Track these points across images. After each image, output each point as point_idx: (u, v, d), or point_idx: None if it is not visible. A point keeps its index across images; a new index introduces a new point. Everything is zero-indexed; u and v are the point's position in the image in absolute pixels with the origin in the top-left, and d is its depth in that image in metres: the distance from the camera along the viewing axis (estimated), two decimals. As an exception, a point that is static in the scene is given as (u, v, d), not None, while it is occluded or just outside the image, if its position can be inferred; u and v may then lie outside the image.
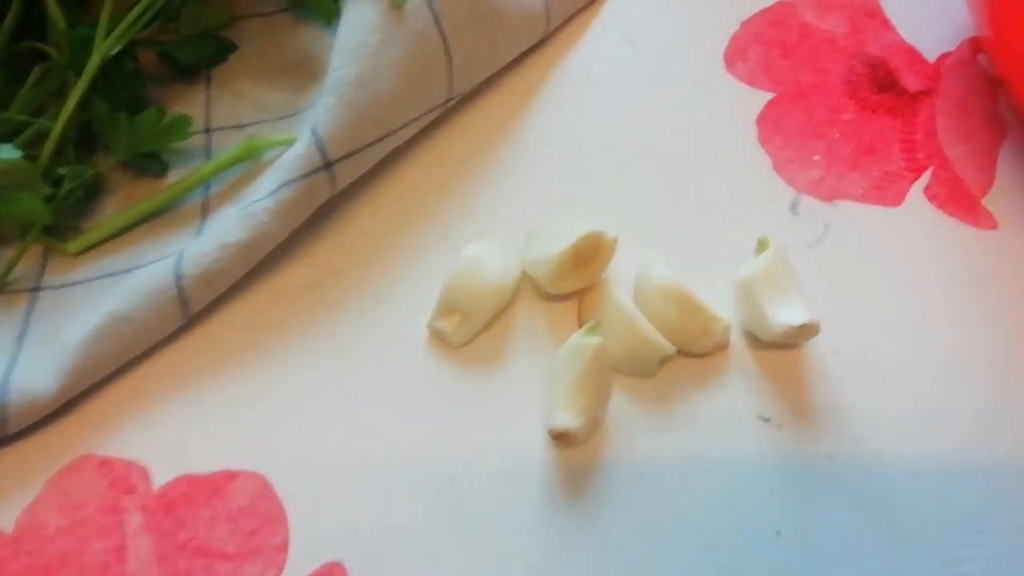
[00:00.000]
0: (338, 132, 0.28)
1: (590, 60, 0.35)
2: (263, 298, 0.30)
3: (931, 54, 0.35)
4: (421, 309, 0.29)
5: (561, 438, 0.26)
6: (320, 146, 0.28)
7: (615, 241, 0.29)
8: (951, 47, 0.35)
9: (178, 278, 0.28)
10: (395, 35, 0.29)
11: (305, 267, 0.30)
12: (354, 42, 0.29)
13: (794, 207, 0.32)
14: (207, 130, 0.33)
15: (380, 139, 0.29)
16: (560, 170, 0.33)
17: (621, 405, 0.28)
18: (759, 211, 0.31)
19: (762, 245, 0.29)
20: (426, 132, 0.33)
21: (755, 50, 0.35)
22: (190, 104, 0.33)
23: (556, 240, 0.29)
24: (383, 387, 0.28)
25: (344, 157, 0.29)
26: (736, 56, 0.35)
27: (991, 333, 0.29)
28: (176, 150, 0.32)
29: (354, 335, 0.29)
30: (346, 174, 0.29)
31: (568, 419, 0.26)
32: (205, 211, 0.31)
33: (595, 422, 0.27)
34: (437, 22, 0.30)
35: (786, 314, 0.27)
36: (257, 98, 0.34)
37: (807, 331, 0.27)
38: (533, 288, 0.30)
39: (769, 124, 0.34)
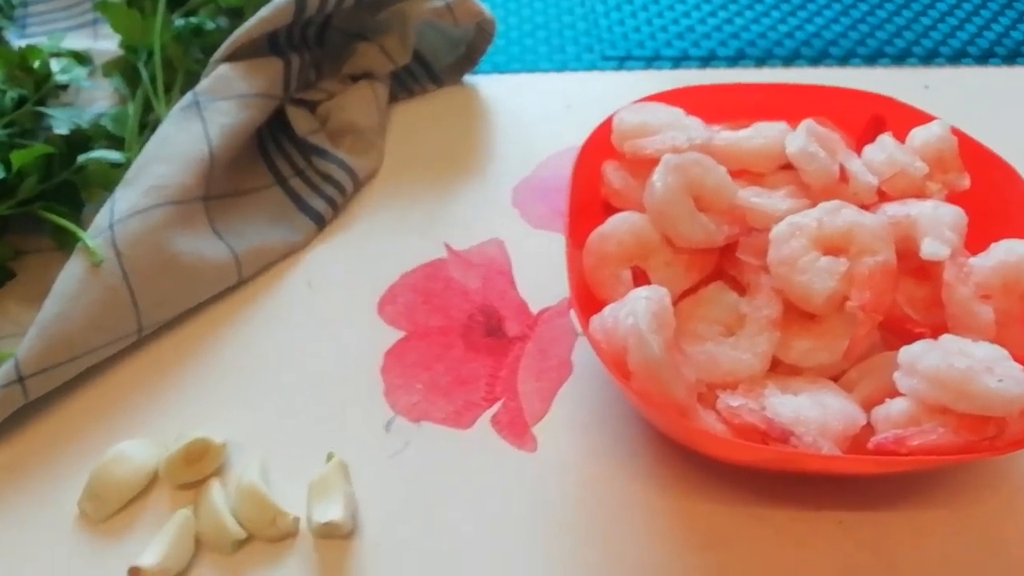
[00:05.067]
0: (31, 355, 0.39)
1: (277, 297, 0.47)
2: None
3: (535, 307, 0.46)
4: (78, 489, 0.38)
5: (134, 573, 0.34)
6: (17, 365, 0.39)
7: (223, 445, 0.39)
8: (553, 303, 0.46)
9: None
10: (90, 286, 0.41)
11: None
12: (61, 288, 0.41)
13: (388, 425, 0.41)
14: (-30, 339, 0.44)
15: (68, 360, 0.40)
16: (226, 385, 0.43)
17: (203, 574, 0.36)
18: (359, 427, 0.41)
19: (328, 457, 0.39)
20: (121, 352, 0.43)
21: (404, 297, 0.46)
22: (-38, 319, 0.45)
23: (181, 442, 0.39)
24: (39, 548, 0.37)
25: (34, 374, 0.39)
26: (387, 301, 0.46)
27: (525, 536, 0.37)
28: (-63, 355, 0.43)
29: (24, 509, 0.38)
30: (38, 386, 0.39)
31: (146, 560, 0.35)
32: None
33: (170, 571, 0.35)
34: (125, 276, 0.41)
35: (321, 512, 0.36)
36: (16, 315, 0.45)
37: (334, 528, 0.36)
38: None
39: (393, 357, 0.44)
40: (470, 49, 0.58)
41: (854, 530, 0.38)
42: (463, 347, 0.44)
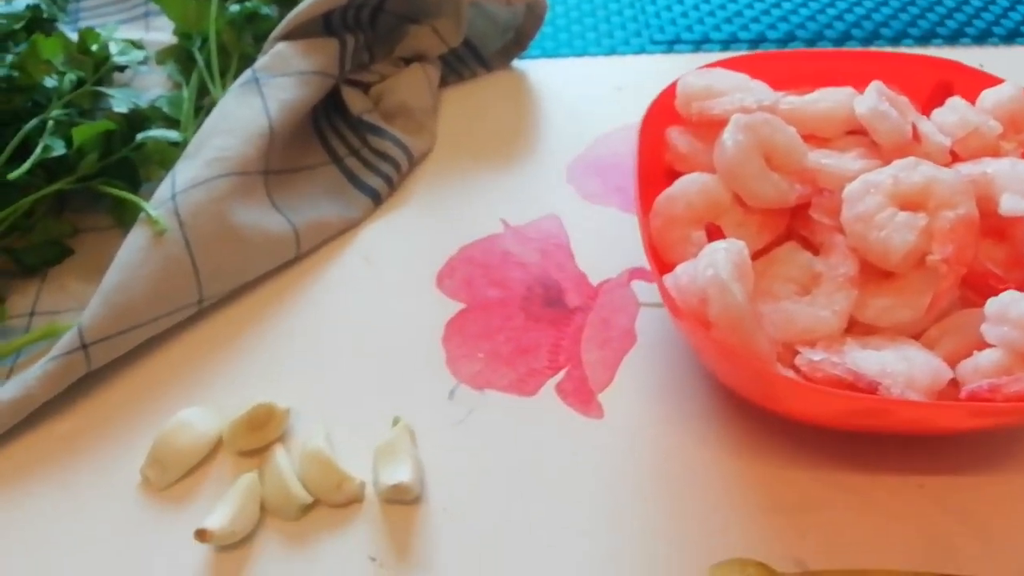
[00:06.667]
0: (94, 323, 0.39)
1: (335, 271, 0.46)
2: (27, 445, 0.39)
3: (595, 279, 0.45)
4: (140, 457, 0.38)
5: (200, 535, 0.34)
6: (80, 332, 0.39)
7: (287, 411, 0.38)
8: (613, 275, 0.45)
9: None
10: (152, 254, 0.41)
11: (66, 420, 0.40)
12: (124, 257, 0.41)
13: (451, 393, 0.41)
14: (32, 313, 0.44)
15: (131, 329, 0.40)
16: (286, 356, 0.42)
17: (269, 539, 0.36)
18: (422, 396, 0.40)
19: (395, 421, 0.38)
20: (182, 324, 0.43)
21: (462, 270, 0.46)
22: (23, 294, 0.45)
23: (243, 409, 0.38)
24: (102, 514, 0.37)
25: (97, 341, 0.39)
26: (445, 274, 0.46)
27: (587, 502, 0.36)
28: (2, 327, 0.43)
29: (88, 476, 0.38)
30: (101, 354, 0.39)
31: (212, 522, 0.34)
32: (11, 373, 0.41)
33: (237, 535, 0.35)
34: (188, 246, 0.41)
35: (389, 475, 0.35)
36: (75, 291, 0.45)
37: (402, 490, 0.35)
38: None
39: (454, 328, 0.43)
40: (519, 34, 0.58)
41: (936, 494, 0.36)
42: (523, 318, 0.44)
